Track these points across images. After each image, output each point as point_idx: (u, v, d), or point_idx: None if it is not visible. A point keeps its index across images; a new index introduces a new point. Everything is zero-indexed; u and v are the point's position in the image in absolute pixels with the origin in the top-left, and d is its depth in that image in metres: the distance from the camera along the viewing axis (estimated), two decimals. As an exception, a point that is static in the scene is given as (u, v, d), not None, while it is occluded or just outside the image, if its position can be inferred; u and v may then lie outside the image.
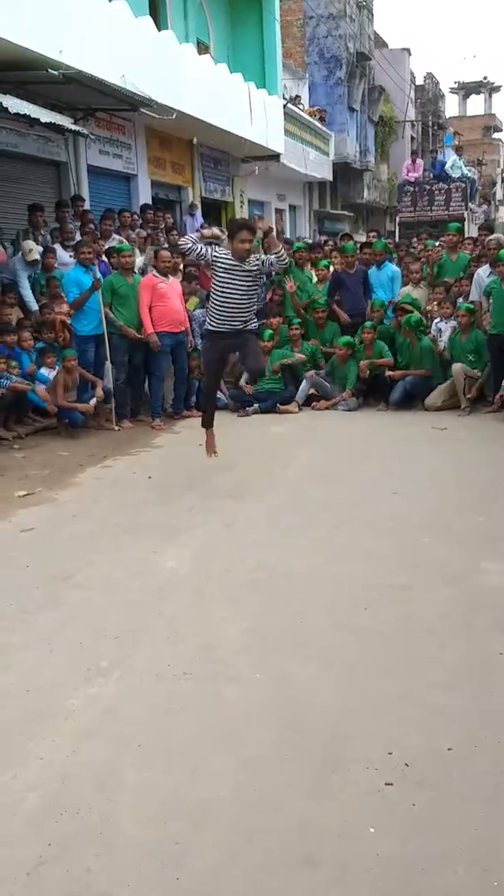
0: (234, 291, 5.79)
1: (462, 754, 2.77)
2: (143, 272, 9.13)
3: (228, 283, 5.78)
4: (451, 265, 9.91)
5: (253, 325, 6.19)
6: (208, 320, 6.04)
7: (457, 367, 8.66)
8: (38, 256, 8.61)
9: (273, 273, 10.17)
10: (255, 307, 6.25)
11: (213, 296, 5.90)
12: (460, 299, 9.38)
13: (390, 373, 9.08)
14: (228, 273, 5.77)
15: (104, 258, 8.90)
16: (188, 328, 8.79)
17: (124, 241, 10.04)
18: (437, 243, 10.79)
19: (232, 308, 5.83)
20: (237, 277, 5.78)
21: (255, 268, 5.86)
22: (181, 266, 9.68)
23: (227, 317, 5.86)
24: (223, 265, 5.79)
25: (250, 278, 5.87)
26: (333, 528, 5.18)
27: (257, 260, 5.87)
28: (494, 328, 8.54)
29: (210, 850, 2.37)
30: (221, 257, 5.80)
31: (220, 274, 5.80)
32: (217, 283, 5.84)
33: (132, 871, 2.30)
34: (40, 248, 8.79)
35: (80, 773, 2.74)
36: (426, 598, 4.07)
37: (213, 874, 2.29)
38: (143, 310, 8.34)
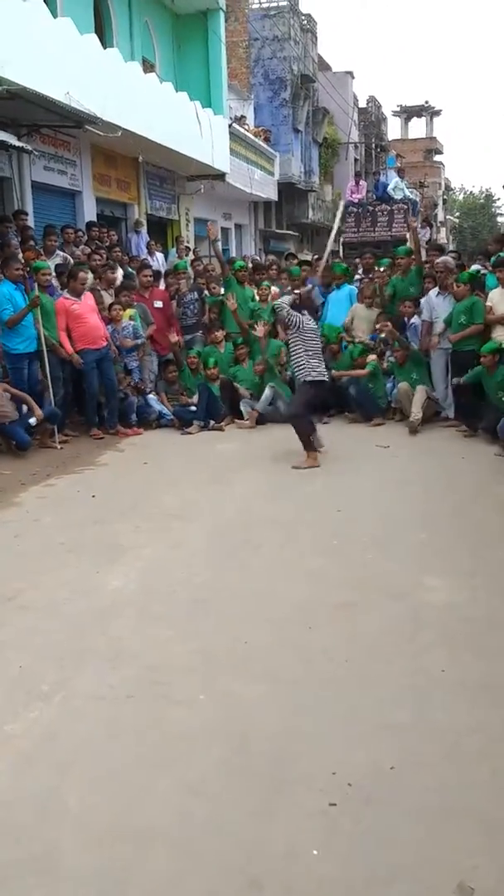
0: (317, 344, 7.53)
1: (405, 772, 2.80)
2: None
3: (313, 339, 7.46)
4: (403, 285, 10.08)
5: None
6: (307, 372, 7.37)
7: (421, 388, 8.87)
8: None
9: (208, 293, 10.35)
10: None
11: (304, 352, 7.37)
12: (406, 318, 9.62)
13: (335, 372, 9.22)
14: (313, 331, 7.51)
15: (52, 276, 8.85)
16: (109, 340, 8.87)
17: (69, 257, 10.00)
18: (382, 268, 10.93)
19: (319, 357, 7.50)
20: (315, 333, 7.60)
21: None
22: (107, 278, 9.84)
23: (319, 365, 7.46)
24: (310, 327, 7.45)
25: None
26: (278, 546, 5.20)
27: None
28: (460, 346, 8.77)
29: (154, 875, 2.35)
30: (307, 322, 7.42)
31: (308, 334, 7.38)
32: (304, 341, 7.36)
33: (74, 901, 2.26)
34: None
35: (20, 799, 2.68)
36: (370, 616, 4.10)
37: (156, 901, 2.26)
38: (61, 333, 8.49)
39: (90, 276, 9.32)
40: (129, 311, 9.44)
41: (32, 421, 7.81)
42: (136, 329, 9.36)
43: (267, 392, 9.33)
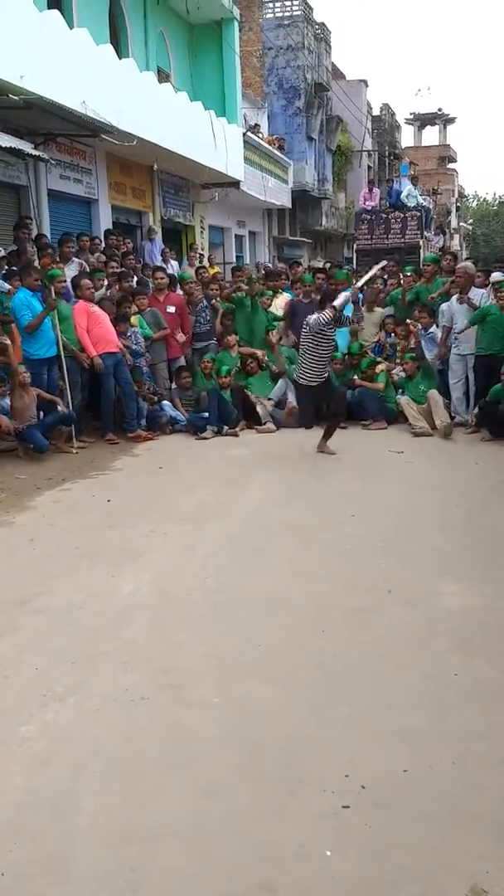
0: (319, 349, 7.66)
1: (417, 775, 2.80)
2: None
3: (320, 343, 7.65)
4: (426, 292, 10.13)
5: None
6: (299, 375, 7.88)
7: (432, 392, 8.94)
8: (4, 253, 8.84)
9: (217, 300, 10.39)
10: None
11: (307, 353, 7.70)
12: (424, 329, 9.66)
13: (359, 382, 9.42)
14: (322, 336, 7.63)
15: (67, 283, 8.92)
16: (121, 347, 8.94)
17: (84, 264, 10.08)
18: (409, 273, 10.99)
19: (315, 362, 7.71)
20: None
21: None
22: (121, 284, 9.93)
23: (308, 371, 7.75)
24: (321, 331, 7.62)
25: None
26: (292, 550, 5.21)
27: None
28: (484, 349, 8.88)
29: (167, 876, 2.36)
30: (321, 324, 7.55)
31: (318, 337, 7.67)
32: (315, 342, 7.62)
33: (88, 900, 2.27)
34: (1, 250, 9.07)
35: (35, 800, 2.70)
36: (384, 621, 4.11)
37: (169, 900, 2.27)
38: (82, 333, 8.58)
39: (105, 283, 9.45)
40: (134, 318, 9.50)
41: (60, 408, 8.03)
42: (139, 336, 9.42)
43: (280, 383, 9.44)
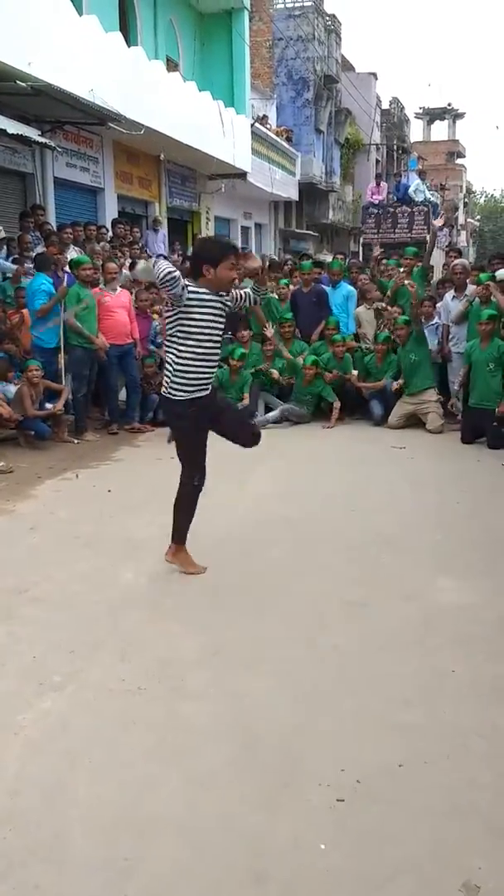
0: (209, 335, 4.39)
1: (413, 770, 2.80)
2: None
3: (202, 324, 4.35)
4: (404, 287, 10.01)
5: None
6: (174, 388, 4.46)
7: (431, 393, 8.88)
8: (4, 234, 8.93)
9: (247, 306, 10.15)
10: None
11: (180, 348, 4.37)
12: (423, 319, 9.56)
13: (358, 384, 9.33)
14: (203, 310, 4.34)
15: (68, 269, 8.88)
16: (136, 339, 8.93)
17: (82, 252, 10.05)
18: (394, 263, 10.91)
19: (205, 360, 4.43)
20: (212, 316, 4.40)
21: (228, 303, 4.51)
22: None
23: (201, 373, 4.44)
24: (198, 301, 4.33)
25: (222, 317, 4.49)
26: (291, 544, 5.20)
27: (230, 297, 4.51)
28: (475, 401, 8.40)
29: (160, 865, 2.36)
30: (195, 292, 4.32)
31: (193, 314, 4.33)
32: (186, 328, 4.34)
33: (81, 887, 2.28)
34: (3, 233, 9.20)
35: (29, 788, 2.70)
36: (382, 615, 4.11)
37: (162, 890, 2.27)
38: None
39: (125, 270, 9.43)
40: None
41: (49, 406, 7.93)
42: None
43: (275, 414, 9.27)
